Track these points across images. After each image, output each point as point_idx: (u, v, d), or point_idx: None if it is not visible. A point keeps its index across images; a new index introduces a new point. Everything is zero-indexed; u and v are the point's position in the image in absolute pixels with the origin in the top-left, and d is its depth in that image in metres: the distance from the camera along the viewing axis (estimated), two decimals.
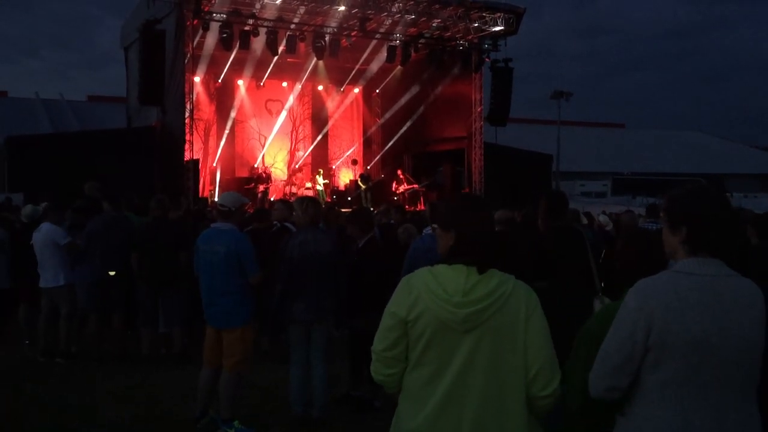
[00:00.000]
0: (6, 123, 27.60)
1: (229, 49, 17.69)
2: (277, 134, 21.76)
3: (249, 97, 21.35)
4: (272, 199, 18.68)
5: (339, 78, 22.22)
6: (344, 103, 23.21)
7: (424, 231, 6.64)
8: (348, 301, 5.47)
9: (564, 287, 4.68)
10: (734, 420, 2.07)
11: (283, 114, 21.88)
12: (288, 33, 17.92)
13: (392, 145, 22.47)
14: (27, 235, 7.70)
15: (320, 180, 20.96)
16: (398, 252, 6.44)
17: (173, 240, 7.17)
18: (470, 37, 19.28)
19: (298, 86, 21.74)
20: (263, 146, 21.45)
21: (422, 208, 18.63)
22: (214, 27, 16.98)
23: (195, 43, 16.90)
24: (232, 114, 20.67)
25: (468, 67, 19.64)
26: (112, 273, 7.35)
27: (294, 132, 22.44)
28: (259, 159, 21.24)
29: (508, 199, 12.80)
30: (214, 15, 16.75)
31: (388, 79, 22.25)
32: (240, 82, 20.86)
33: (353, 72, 21.97)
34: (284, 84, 21.85)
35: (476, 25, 18.52)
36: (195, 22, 16.29)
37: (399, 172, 21.06)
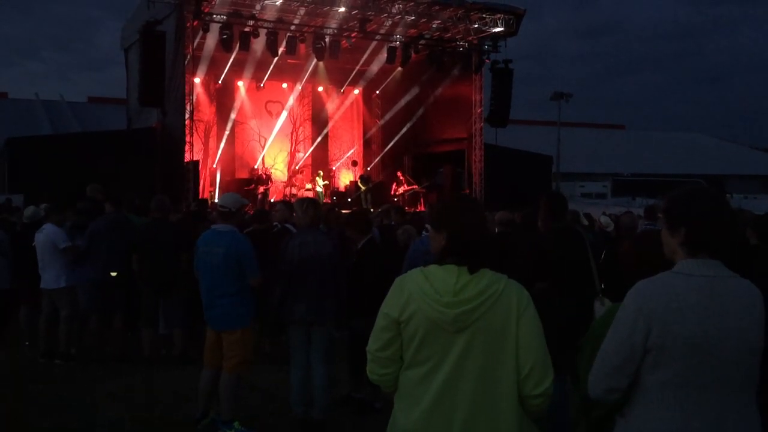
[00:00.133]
0: (6, 124, 27.61)
1: (229, 51, 17.70)
2: (277, 135, 21.78)
3: (249, 98, 21.37)
4: (272, 200, 18.70)
5: (339, 79, 22.24)
6: (344, 105, 23.23)
7: (423, 232, 6.65)
8: (348, 303, 5.47)
9: (564, 288, 4.68)
10: (734, 421, 2.07)
11: (283, 115, 21.89)
12: (288, 34, 17.94)
13: (392, 146, 22.49)
14: (28, 236, 7.71)
15: (320, 181, 20.97)
16: (398, 253, 6.44)
17: (173, 241, 7.17)
18: (470, 39, 19.29)
19: (298, 87, 21.76)
20: (263, 147, 21.47)
21: (422, 209, 18.66)
22: (214, 28, 17.00)
23: (195, 44, 16.94)
24: (232, 115, 20.69)
25: (468, 68, 19.66)
26: (113, 274, 7.35)
27: (294, 133, 22.45)
28: (259, 160, 21.26)
29: (509, 200, 12.82)
30: (215, 16, 16.77)
31: (388, 81, 22.27)
32: (240, 83, 20.88)
33: (353, 73, 22.00)
34: (284, 85, 21.88)
35: (476, 26, 18.54)
36: (195, 23, 16.31)
37: (399, 173, 21.07)
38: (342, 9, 17.03)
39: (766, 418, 2.27)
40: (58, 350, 7.39)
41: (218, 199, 13.02)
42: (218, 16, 16.83)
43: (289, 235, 6.15)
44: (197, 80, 18.65)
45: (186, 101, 16.22)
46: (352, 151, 23.71)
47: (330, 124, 23.15)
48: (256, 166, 20.97)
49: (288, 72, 20.80)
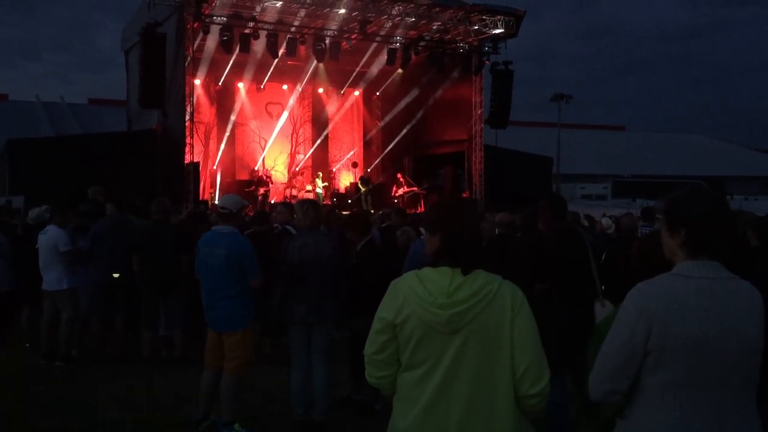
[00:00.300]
0: (7, 126, 27.67)
1: (230, 52, 17.72)
2: (278, 137, 21.79)
3: (249, 99, 21.38)
4: (272, 201, 18.70)
5: (339, 81, 22.25)
6: (344, 106, 23.24)
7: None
8: (348, 304, 5.47)
9: (564, 289, 4.69)
10: (734, 422, 2.07)
11: (284, 117, 21.90)
12: (288, 36, 17.96)
13: (392, 147, 22.50)
14: (31, 238, 7.73)
15: (319, 183, 20.96)
16: (397, 254, 6.45)
17: (174, 243, 7.18)
18: (470, 40, 19.31)
19: (299, 89, 21.77)
20: (263, 149, 21.48)
21: (422, 210, 18.65)
22: (215, 30, 17.02)
23: (195, 46, 16.95)
24: (233, 117, 20.70)
25: (468, 69, 19.68)
26: (116, 275, 7.36)
27: (294, 135, 22.47)
28: (260, 162, 21.27)
29: (509, 201, 12.81)
30: (215, 18, 16.78)
31: (388, 82, 22.29)
32: (240, 85, 20.89)
33: (353, 75, 22.01)
34: (284, 87, 21.89)
35: (476, 27, 18.56)
36: (195, 25, 16.33)
37: (399, 175, 21.08)
38: (342, 11, 17.05)
39: (766, 419, 2.27)
40: (58, 352, 7.40)
41: (218, 200, 13.05)
42: (218, 18, 16.84)
43: (290, 236, 6.16)
44: (197, 82, 18.66)
45: (186, 103, 16.23)
46: (352, 152, 23.71)
47: (330, 126, 23.16)
48: (256, 168, 20.97)
49: (288, 73, 20.82)
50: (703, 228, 2.12)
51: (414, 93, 21.32)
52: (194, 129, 17.06)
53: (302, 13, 17.42)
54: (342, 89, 22.84)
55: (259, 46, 17.88)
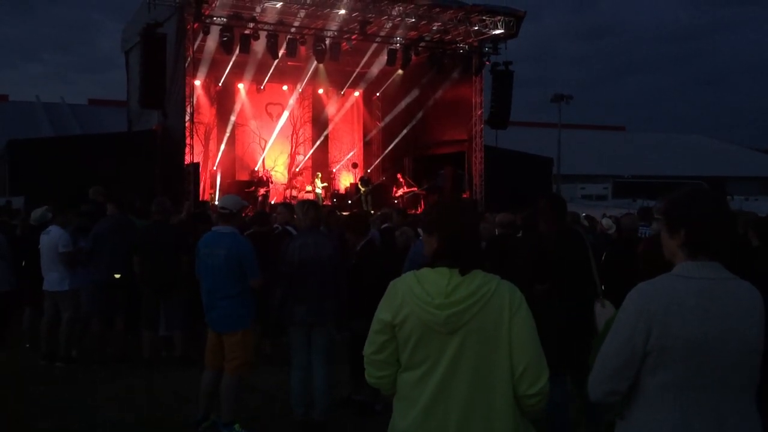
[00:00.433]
0: (7, 126, 27.67)
1: (230, 53, 17.72)
2: (278, 137, 21.79)
3: (249, 100, 21.38)
4: (273, 202, 18.70)
5: (339, 81, 22.25)
6: (345, 107, 23.25)
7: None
8: (348, 304, 5.48)
9: (564, 290, 4.69)
10: (734, 422, 2.07)
11: (284, 117, 21.90)
12: (288, 36, 17.96)
13: (393, 148, 22.50)
14: (31, 238, 7.73)
15: (318, 183, 20.94)
16: (397, 255, 6.45)
17: (174, 243, 7.19)
18: (470, 41, 19.31)
19: (299, 89, 21.78)
20: (264, 149, 21.47)
21: (422, 211, 18.65)
22: (215, 30, 17.02)
23: (195, 46, 16.95)
24: (233, 117, 20.70)
25: (468, 70, 19.67)
26: (117, 276, 7.37)
27: (294, 135, 22.47)
28: (260, 162, 21.27)
29: (509, 202, 12.81)
30: (215, 18, 16.78)
31: (388, 83, 22.29)
32: (240, 85, 20.90)
33: (354, 75, 22.01)
34: (284, 87, 21.89)
35: (476, 28, 18.56)
36: (196, 25, 16.33)
37: (399, 175, 21.08)
38: (342, 11, 17.05)
39: (767, 419, 2.27)
40: (59, 352, 7.40)
41: (218, 201, 13.05)
42: (218, 19, 16.84)
43: (290, 236, 6.16)
44: (197, 82, 18.67)
45: (186, 103, 16.23)
46: (352, 153, 23.72)
47: (330, 126, 23.16)
48: (256, 168, 20.98)
49: (288, 74, 20.82)
50: (702, 228, 2.12)
51: (414, 93, 21.31)
52: (194, 129, 17.06)
53: (302, 13, 17.41)
54: (342, 90, 22.84)
55: (259, 46, 17.88)
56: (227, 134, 20.64)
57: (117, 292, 7.46)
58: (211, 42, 17.68)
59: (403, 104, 21.69)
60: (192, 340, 7.22)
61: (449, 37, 19.41)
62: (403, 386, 2.37)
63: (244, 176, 20.91)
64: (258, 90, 21.48)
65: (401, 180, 20.85)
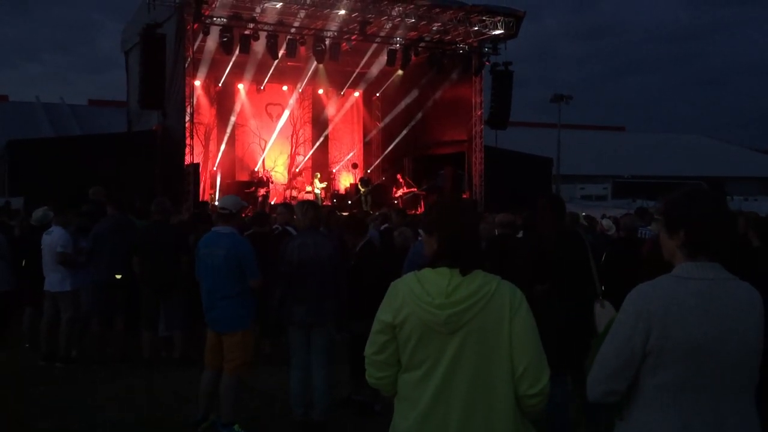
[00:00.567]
0: (7, 127, 27.66)
1: (230, 53, 17.71)
2: (278, 138, 21.78)
3: (249, 100, 21.37)
4: (272, 202, 18.70)
5: (339, 81, 22.25)
6: (344, 107, 23.24)
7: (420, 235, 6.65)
8: (348, 305, 5.48)
9: (564, 290, 4.69)
10: (733, 423, 2.07)
11: (284, 118, 21.89)
12: (288, 37, 17.96)
13: (393, 148, 22.50)
14: (31, 238, 7.73)
15: (317, 183, 20.90)
16: (396, 255, 6.45)
17: (174, 243, 7.19)
18: (470, 41, 19.31)
19: (299, 90, 21.78)
20: (263, 150, 21.46)
21: (422, 211, 18.64)
22: (215, 31, 17.02)
23: (195, 46, 16.95)
24: (233, 118, 20.69)
25: (468, 70, 19.67)
26: (118, 276, 7.37)
27: (294, 136, 22.46)
28: (260, 163, 21.26)
29: (509, 202, 12.81)
30: (215, 19, 16.78)
31: (388, 83, 22.30)
32: (240, 85, 20.89)
33: (353, 75, 22.01)
34: (284, 88, 21.89)
35: (476, 28, 18.56)
36: (195, 26, 16.33)
37: (398, 176, 21.08)
38: (342, 11, 17.05)
39: (766, 420, 2.26)
40: (58, 352, 7.40)
41: (218, 201, 13.05)
42: (218, 19, 16.84)
43: (289, 237, 6.16)
44: (197, 83, 18.66)
45: (186, 104, 16.23)
46: (352, 153, 23.71)
47: (330, 127, 23.16)
48: (256, 169, 20.97)
49: (288, 74, 20.81)
50: (702, 229, 2.12)
51: (414, 94, 21.32)
52: (194, 130, 17.06)
53: (302, 14, 17.41)
54: (342, 90, 22.84)
55: (259, 47, 17.87)
56: (227, 134, 20.64)
57: (117, 292, 7.46)
58: (211, 42, 17.68)
59: (402, 104, 21.69)
60: (192, 340, 7.22)
61: (449, 37, 19.41)
62: (404, 387, 2.37)
63: (244, 177, 20.90)
64: (258, 90, 21.48)
65: (401, 180, 20.85)
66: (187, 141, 16.31)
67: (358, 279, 5.58)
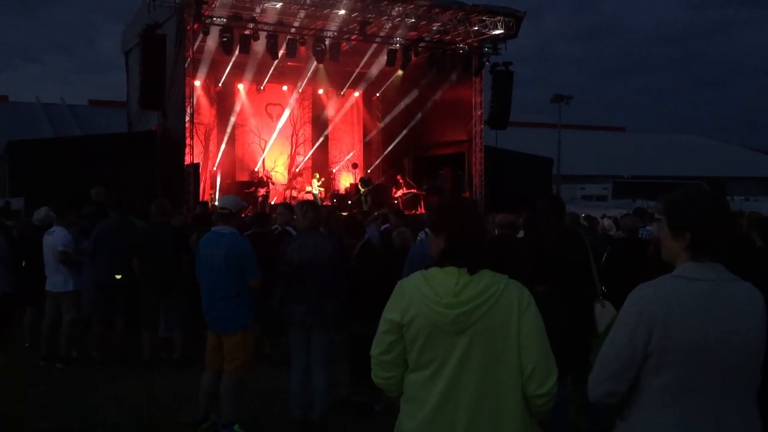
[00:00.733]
0: (7, 127, 27.64)
1: (230, 53, 17.70)
2: (278, 138, 21.76)
3: (249, 100, 21.35)
4: (273, 203, 18.68)
5: (339, 82, 22.24)
6: (344, 107, 23.22)
7: (419, 235, 6.64)
8: (348, 306, 5.47)
9: (564, 290, 4.68)
10: (734, 424, 2.06)
11: (284, 118, 21.88)
12: (288, 37, 17.95)
13: (393, 148, 22.48)
14: (32, 239, 7.72)
15: (315, 184, 20.85)
16: (396, 256, 6.45)
17: (174, 243, 7.19)
18: (470, 41, 19.29)
19: (299, 90, 21.76)
20: (263, 150, 21.44)
21: (422, 211, 18.64)
22: (215, 31, 17.01)
23: (195, 47, 16.93)
24: (233, 118, 20.67)
25: (468, 70, 19.65)
26: (118, 276, 7.37)
27: (294, 136, 22.44)
28: (260, 163, 21.24)
29: (509, 202, 12.80)
30: (215, 19, 16.77)
31: (388, 83, 22.28)
32: (240, 86, 20.88)
33: (353, 76, 21.99)
34: (284, 88, 21.87)
35: (476, 28, 18.55)
36: (195, 26, 16.32)
37: (398, 177, 21.06)
38: (342, 12, 17.04)
39: (767, 421, 2.26)
40: (58, 353, 7.39)
41: (218, 201, 13.04)
42: (218, 19, 16.83)
43: (289, 237, 6.16)
44: (197, 83, 18.64)
45: (186, 104, 16.22)
46: (352, 153, 23.69)
47: (330, 127, 23.14)
48: (256, 169, 20.95)
49: (288, 74, 20.80)
50: (708, 230, 2.11)
51: (414, 94, 21.29)
52: (194, 130, 17.03)
53: (302, 14, 17.40)
54: (342, 90, 22.82)
55: (259, 47, 17.86)
56: (227, 135, 20.61)
57: (117, 292, 7.46)
58: (211, 42, 17.67)
59: (402, 105, 21.67)
60: (192, 340, 7.22)
61: (449, 37, 19.40)
62: (411, 387, 2.36)
63: (244, 177, 20.89)
64: (258, 90, 21.47)
65: (401, 181, 20.84)
66: (187, 141, 16.30)
67: (358, 279, 5.58)
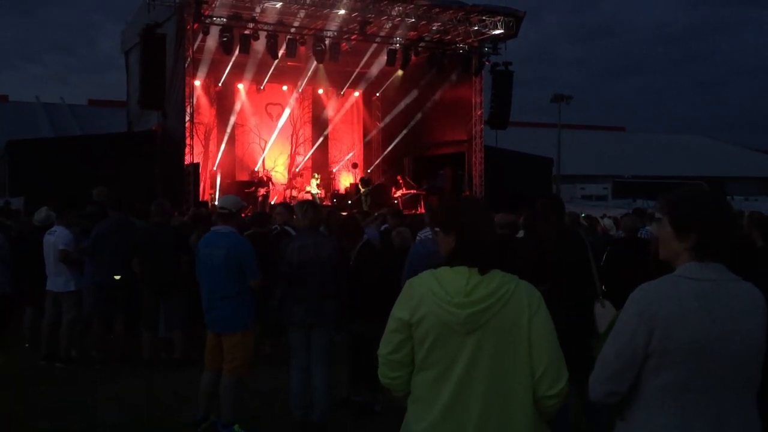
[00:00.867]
0: (7, 127, 27.67)
1: (230, 53, 17.70)
2: (278, 138, 21.76)
3: (249, 100, 21.35)
4: (273, 202, 18.68)
5: (339, 81, 22.24)
6: (344, 107, 23.22)
7: (419, 234, 6.63)
8: (348, 306, 5.46)
9: (564, 290, 4.67)
10: (735, 425, 2.06)
11: (284, 117, 21.87)
12: (288, 37, 17.95)
13: (393, 148, 22.48)
14: (32, 239, 7.72)
15: (314, 184, 20.82)
16: (395, 256, 6.44)
17: (174, 243, 7.18)
18: (470, 41, 19.29)
19: (299, 90, 21.76)
20: (263, 150, 21.44)
21: (422, 211, 18.63)
22: (215, 31, 17.01)
23: (195, 47, 16.94)
24: (233, 118, 20.67)
25: (468, 70, 19.65)
26: (118, 277, 7.36)
27: (294, 135, 22.44)
28: (260, 163, 21.24)
29: (509, 202, 12.79)
30: (215, 19, 16.78)
31: (388, 83, 22.28)
32: (240, 85, 20.87)
33: (353, 75, 21.99)
34: (284, 87, 21.87)
35: (476, 28, 18.55)
36: (195, 26, 16.32)
37: (398, 177, 21.05)
38: (342, 11, 17.04)
39: (767, 422, 2.25)
40: (59, 353, 7.39)
41: (218, 201, 13.04)
42: (218, 19, 16.83)
43: (289, 237, 6.15)
44: (197, 83, 18.65)
45: (186, 104, 16.22)
46: (352, 153, 23.69)
47: (330, 127, 23.14)
48: (256, 169, 20.94)
49: (288, 74, 20.79)
50: (712, 231, 2.10)
51: (414, 94, 21.29)
52: (194, 130, 17.04)
53: (302, 13, 17.40)
54: (342, 90, 22.82)
55: (259, 46, 17.86)
56: (227, 134, 20.61)
57: (117, 292, 7.45)
58: (211, 42, 17.67)
59: (402, 104, 21.67)
60: (192, 340, 7.22)
61: (449, 37, 19.40)
62: (418, 387, 2.34)
63: (244, 176, 20.88)
64: (258, 90, 21.46)
65: (401, 181, 20.83)
66: (187, 141, 16.30)
67: (358, 279, 5.57)
